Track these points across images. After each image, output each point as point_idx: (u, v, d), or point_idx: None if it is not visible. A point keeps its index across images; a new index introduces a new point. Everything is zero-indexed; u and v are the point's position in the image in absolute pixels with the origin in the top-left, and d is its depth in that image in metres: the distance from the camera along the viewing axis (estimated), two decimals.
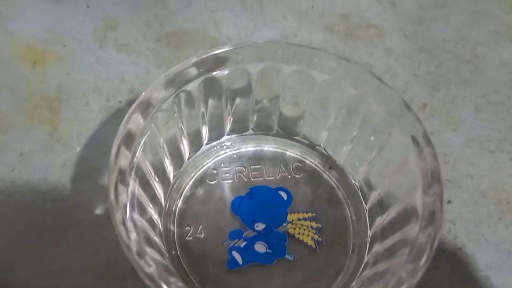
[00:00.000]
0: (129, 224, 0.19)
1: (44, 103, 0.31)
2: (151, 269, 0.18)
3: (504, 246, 0.28)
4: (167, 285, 0.18)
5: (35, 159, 0.29)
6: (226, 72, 0.25)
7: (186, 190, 0.27)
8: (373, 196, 0.25)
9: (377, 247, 0.23)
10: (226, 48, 0.25)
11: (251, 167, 0.28)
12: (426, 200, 0.20)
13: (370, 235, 0.25)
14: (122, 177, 0.20)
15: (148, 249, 0.20)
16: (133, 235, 0.19)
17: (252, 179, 0.27)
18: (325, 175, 0.28)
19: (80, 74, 0.33)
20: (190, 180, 0.27)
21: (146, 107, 0.22)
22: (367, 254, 0.24)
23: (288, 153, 0.29)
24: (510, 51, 0.38)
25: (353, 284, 0.23)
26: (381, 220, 0.24)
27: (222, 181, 0.27)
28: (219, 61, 0.25)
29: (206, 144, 0.28)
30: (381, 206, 0.25)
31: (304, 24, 0.38)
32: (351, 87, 0.24)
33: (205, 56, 0.24)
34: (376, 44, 0.37)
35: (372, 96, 0.24)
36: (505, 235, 0.28)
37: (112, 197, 0.20)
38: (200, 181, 0.27)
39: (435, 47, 0.37)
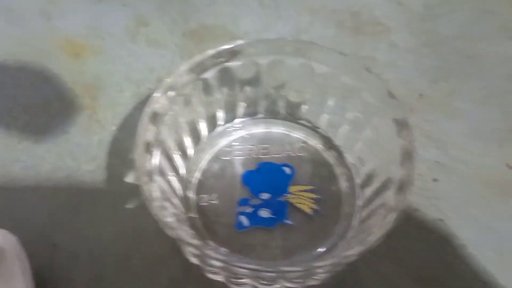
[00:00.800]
0: (152, 185, 0.24)
1: (84, 90, 0.36)
2: (171, 220, 0.23)
3: (484, 221, 0.30)
4: (182, 231, 0.22)
5: (77, 138, 0.34)
6: (239, 63, 0.29)
7: (203, 164, 0.31)
8: (363, 171, 0.29)
9: (362, 213, 0.27)
10: (240, 43, 0.29)
11: (260, 146, 0.32)
12: (400, 172, 0.24)
13: (358, 204, 0.28)
14: (148, 147, 0.25)
15: (168, 206, 0.24)
16: (156, 194, 0.23)
17: (261, 156, 0.31)
18: (325, 155, 0.32)
19: (115, 65, 0.37)
20: (207, 155, 0.31)
21: (169, 91, 0.27)
22: (354, 220, 0.28)
23: (293, 134, 0.32)
24: (509, 47, 0.40)
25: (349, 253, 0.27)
26: (368, 191, 0.28)
27: (234, 158, 0.31)
28: (233, 54, 0.29)
29: (221, 125, 0.32)
30: (369, 179, 0.28)
31: (316, 20, 0.41)
32: (346, 78, 0.28)
33: (221, 49, 0.28)
34: (382, 40, 0.40)
35: (363, 86, 0.28)
36: (486, 212, 0.31)
37: (139, 163, 0.24)
38: (216, 157, 0.31)
39: (438, 43, 0.40)
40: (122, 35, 0.39)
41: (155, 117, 0.26)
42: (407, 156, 0.24)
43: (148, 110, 0.26)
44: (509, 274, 0.28)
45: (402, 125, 0.25)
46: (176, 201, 0.27)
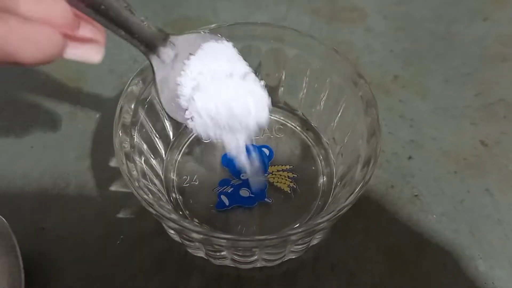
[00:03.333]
0: (131, 164, 0.25)
1: (69, 82, 0.37)
2: (149, 196, 0.24)
3: (458, 196, 0.32)
4: (161, 208, 0.23)
5: (63, 126, 0.35)
6: None
7: (185, 148, 0.32)
8: (337, 150, 0.30)
9: (337, 189, 0.28)
10: (213, 26, 0.30)
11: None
12: (367, 149, 0.25)
13: (334, 182, 0.30)
14: (125, 129, 0.26)
15: (147, 183, 0.25)
16: (134, 172, 0.24)
17: None
18: (302, 136, 0.33)
19: None
20: (188, 139, 0.32)
21: (146, 74, 0.27)
22: (331, 197, 0.29)
23: (271, 117, 0.34)
24: (482, 28, 0.41)
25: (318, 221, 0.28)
26: (341, 168, 0.29)
27: (214, 140, 0.32)
28: None
29: None
30: (342, 157, 0.29)
31: (293, 8, 0.43)
32: (317, 61, 0.29)
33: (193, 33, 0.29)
34: (358, 25, 0.41)
35: (333, 68, 0.29)
36: (459, 188, 0.32)
37: (116, 144, 0.25)
38: (197, 141, 0.32)
39: (412, 26, 0.42)
40: None
41: (131, 99, 0.27)
42: (373, 133, 0.25)
43: (125, 92, 0.26)
44: (479, 246, 0.30)
45: (368, 103, 0.26)
46: (157, 181, 0.28)
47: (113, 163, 0.32)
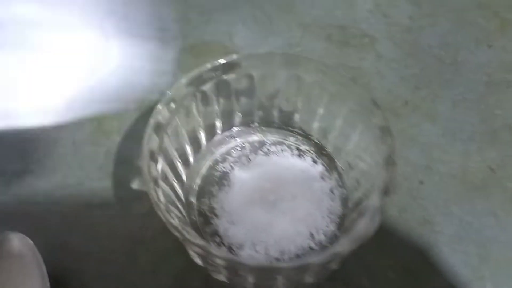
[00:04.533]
0: (159, 190, 0.26)
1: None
2: (176, 222, 0.25)
3: (466, 218, 0.33)
4: (187, 233, 0.24)
5: (84, 147, 0.36)
6: (234, 75, 0.32)
7: (203, 171, 0.33)
8: (352, 175, 0.31)
9: (352, 215, 0.29)
10: (234, 57, 0.31)
11: (256, 152, 0.34)
12: (384, 177, 0.26)
13: (349, 206, 0.31)
14: (153, 156, 0.27)
15: (173, 209, 0.26)
16: (162, 198, 0.26)
17: None
18: (317, 160, 0.34)
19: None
20: (207, 162, 0.34)
21: (170, 103, 0.29)
22: (345, 222, 0.30)
23: (287, 142, 0.35)
24: (487, 55, 0.43)
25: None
26: (356, 194, 0.30)
27: (232, 164, 0.34)
28: (228, 67, 0.31)
29: (219, 134, 0.35)
30: (357, 183, 0.31)
31: (307, 34, 0.44)
32: (331, 87, 0.31)
33: (217, 63, 0.31)
34: (368, 51, 0.43)
35: (349, 95, 0.30)
36: (469, 210, 0.33)
37: (145, 170, 0.26)
38: (215, 164, 0.34)
39: (421, 53, 0.43)
40: None
41: (159, 128, 0.28)
42: (390, 162, 0.26)
43: (152, 121, 0.28)
44: (489, 267, 0.31)
45: (384, 132, 0.28)
46: (179, 205, 0.29)
47: (135, 185, 0.33)
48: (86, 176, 0.34)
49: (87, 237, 0.31)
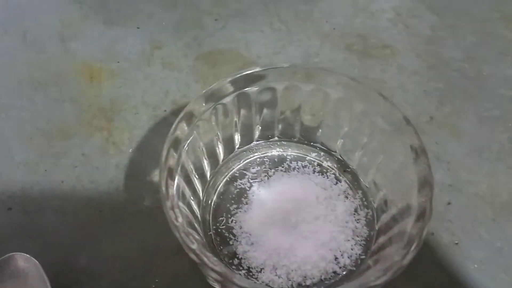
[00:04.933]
0: (176, 210, 0.24)
1: (100, 113, 0.37)
2: (194, 246, 0.23)
3: (496, 243, 0.31)
4: (206, 258, 0.22)
5: (94, 160, 0.34)
6: (256, 88, 0.30)
7: (220, 187, 0.32)
8: (379, 196, 0.30)
9: (381, 239, 0.28)
10: (256, 69, 0.30)
11: (276, 169, 0.32)
12: (419, 200, 0.25)
13: (376, 229, 0.29)
14: (171, 174, 0.25)
15: (191, 231, 0.24)
16: (180, 219, 0.24)
17: None
18: (340, 177, 0.32)
19: (131, 89, 0.38)
20: (224, 178, 0.32)
21: (189, 118, 0.27)
22: (373, 245, 0.28)
23: (308, 157, 0.33)
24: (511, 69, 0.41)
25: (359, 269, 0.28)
26: (386, 216, 0.28)
27: (250, 180, 0.32)
28: (250, 80, 0.30)
29: (238, 148, 0.33)
30: (386, 204, 0.29)
31: (326, 44, 0.42)
32: (360, 104, 0.29)
33: (238, 75, 0.29)
34: (390, 63, 0.41)
35: (377, 111, 0.28)
36: (498, 234, 0.32)
37: (163, 189, 0.25)
38: (232, 180, 0.32)
39: (444, 65, 0.41)
40: (137, 58, 0.40)
41: (177, 144, 0.26)
42: (426, 184, 0.25)
43: (171, 138, 0.26)
44: None
45: (418, 152, 0.26)
46: (196, 225, 0.27)
47: (147, 202, 0.31)
48: (95, 190, 0.32)
49: (96, 257, 0.29)
